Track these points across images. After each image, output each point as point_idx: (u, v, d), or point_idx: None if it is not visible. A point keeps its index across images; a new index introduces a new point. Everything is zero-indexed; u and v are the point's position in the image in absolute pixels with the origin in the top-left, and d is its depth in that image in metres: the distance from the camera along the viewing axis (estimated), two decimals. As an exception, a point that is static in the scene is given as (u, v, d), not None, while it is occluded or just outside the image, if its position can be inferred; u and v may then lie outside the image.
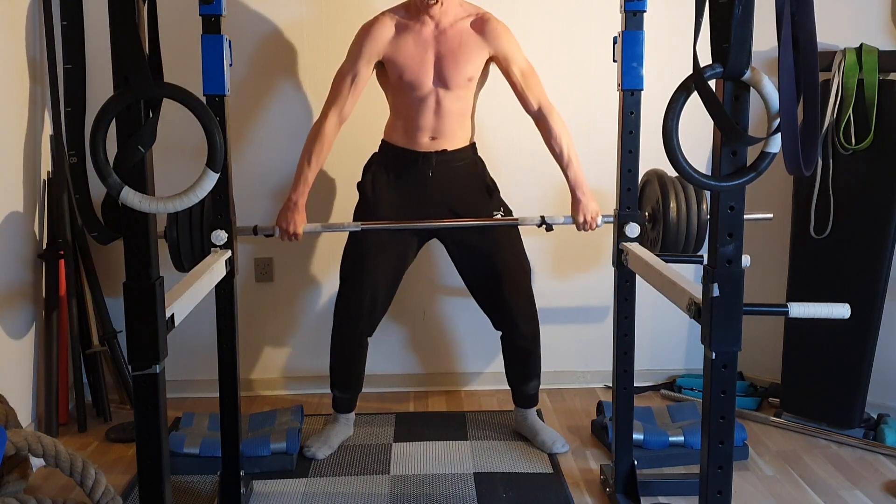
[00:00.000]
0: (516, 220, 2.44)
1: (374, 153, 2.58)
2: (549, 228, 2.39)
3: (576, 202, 2.38)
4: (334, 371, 2.64)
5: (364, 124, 2.71)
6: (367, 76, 2.39)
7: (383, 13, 2.41)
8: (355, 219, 2.54)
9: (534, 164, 2.83)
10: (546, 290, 3.07)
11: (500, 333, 2.63)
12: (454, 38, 2.36)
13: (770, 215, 2.32)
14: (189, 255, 2.17)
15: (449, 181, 2.48)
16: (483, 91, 2.52)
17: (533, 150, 2.61)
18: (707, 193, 2.16)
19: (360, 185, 2.57)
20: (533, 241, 3.00)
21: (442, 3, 2.30)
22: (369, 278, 2.50)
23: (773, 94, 1.35)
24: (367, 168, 2.57)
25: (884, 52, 2.59)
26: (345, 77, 2.38)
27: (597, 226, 2.38)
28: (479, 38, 2.37)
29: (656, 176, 2.30)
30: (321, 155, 2.38)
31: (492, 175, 2.58)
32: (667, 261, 1.92)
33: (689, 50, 1.38)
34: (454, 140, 2.47)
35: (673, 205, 2.23)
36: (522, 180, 2.90)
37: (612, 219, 2.21)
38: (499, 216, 2.50)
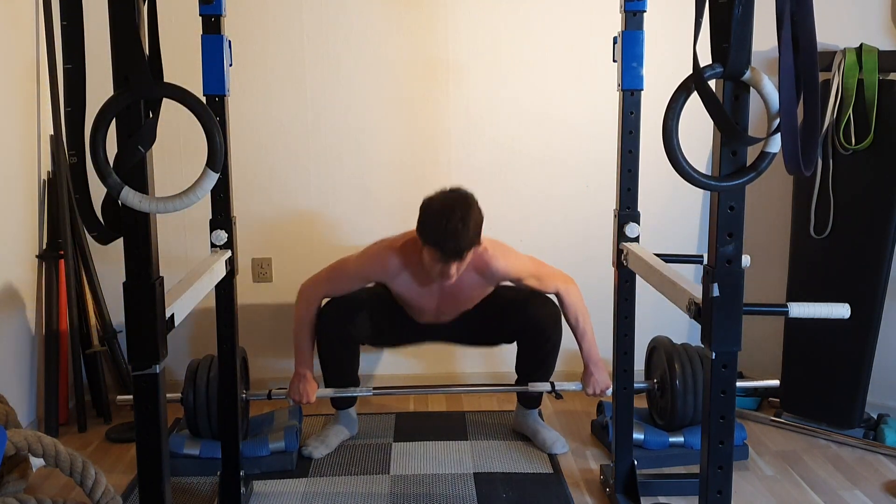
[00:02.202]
0: (527, 387, 2.55)
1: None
2: (559, 396, 2.55)
3: (587, 374, 2.51)
4: (328, 371, 2.64)
5: (362, 115, 2.70)
6: (366, 286, 2.51)
7: (392, 259, 2.41)
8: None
9: None
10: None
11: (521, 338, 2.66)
12: (459, 288, 2.44)
13: (776, 383, 2.50)
14: (205, 419, 2.40)
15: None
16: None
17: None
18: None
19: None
20: (533, 241, 3.00)
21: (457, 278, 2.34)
22: (367, 310, 2.58)
23: (773, 94, 1.35)
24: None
25: (884, 52, 2.59)
26: (344, 278, 2.47)
27: (606, 395, 2.50)
28: (484, 281, 2.45)
29: (662, 345, 2.51)
30: (312, 328, 2.50)
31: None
32: (667, 261, 1.92)
33: (689, 50, 1.38)
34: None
35: (678, 370, 2.44)
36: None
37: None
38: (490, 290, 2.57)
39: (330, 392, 2.54)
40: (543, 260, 2.63)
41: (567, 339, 2.56)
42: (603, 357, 3.12)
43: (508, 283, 2.55)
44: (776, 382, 2.52)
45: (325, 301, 2.52)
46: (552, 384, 2.51)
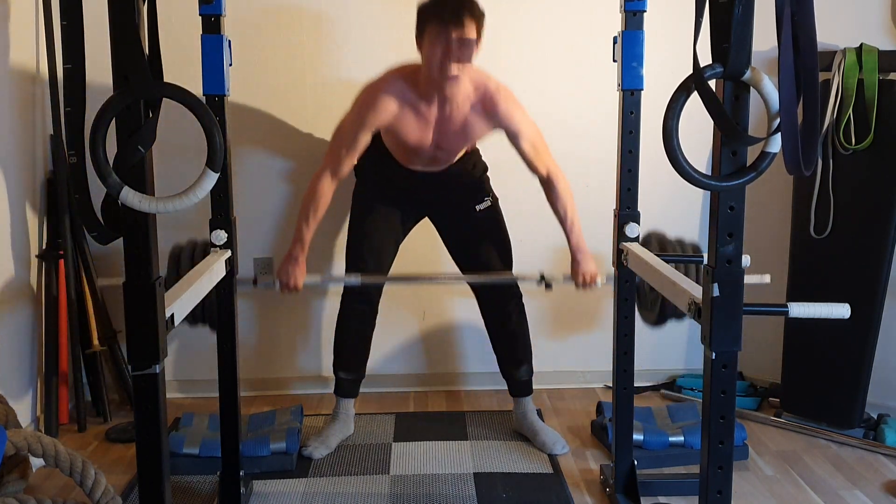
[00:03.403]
0: (516, 276, 2.53)
1: (375, 136, 2.58)
2: (549, 286, 2.47)
3: (576, 264, 2.46)
4: (340, 351, 2.66)
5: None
6: (366, 142, 2.39)
7: (390, 81, 2.35)
8: (354, 199, 2.65)
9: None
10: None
11: (486, 321, 2.68)
12: (458, 120, 2.36)
13: (767, 279, 2.37)
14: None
15: (441, 181, 2.56)
16: (487, 148, 2.59)
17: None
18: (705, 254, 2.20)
19: (355, 169, 2.59)
20: (533, 240, 3.00)
21: (459, 82, 2.26)
22: (373, 242, 2.58)
23: (773, 94, 1.35)
24: (365, 154, 2.58)
25: (884, 52, 2.59)
26: (343, 141, 2.39)
27: (595, 285, 2.45)
28: (486, 119, 2.37)
29: (656, 238, 2.36)
30: (318, 213, 2.42)
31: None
32: (667, 261, 1.92)
33: (689, 50, 1.38)
34: (450, 164, 2.56)
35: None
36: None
37: (611, 280, 2.28)
38: (487, 203, 2.59)
39: (318, 279, 2.43)
40: (543, 259, 2.63)
41: (556, 232, 2.50)
42: (602, 357, 3.14)
43: (492, 204, 2.56)
44: (767, 278, 2.34)
45: (331, 182, 2.39)
46: (541, 274, 2.44)
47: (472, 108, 2.34)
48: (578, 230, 2.45)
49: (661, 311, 2.28)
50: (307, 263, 2.45)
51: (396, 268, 2.68)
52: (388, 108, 2.33)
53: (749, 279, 2.11)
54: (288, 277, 2.39)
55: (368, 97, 2.36)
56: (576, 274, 2.45)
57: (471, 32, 2.20)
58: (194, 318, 2.20)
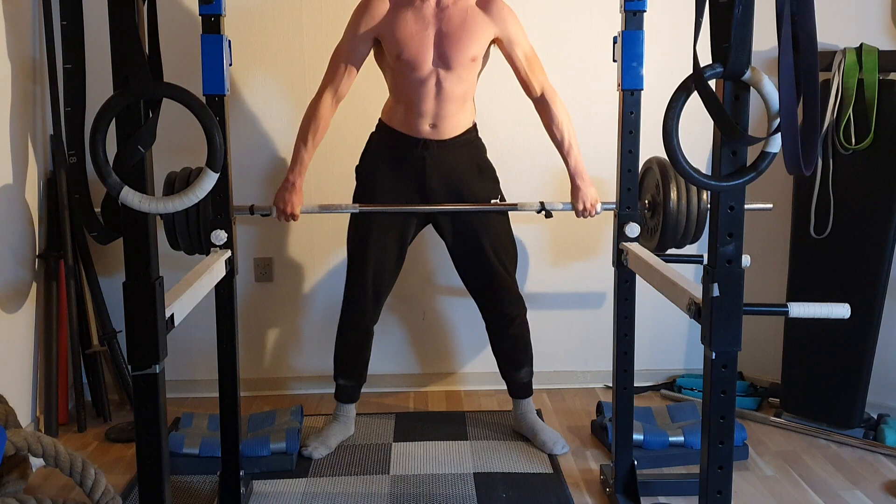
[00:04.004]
0: (515, 205, 2.41)
1: (372, 133, 2.57)
2: (549, 215, 2.36)
3: (575, 189, 2.37)
4: (340, 358, 2.65)
5: (362, 105, 2.70)
6: (365, 54, 2.33)
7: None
8: (354, 202, 2.54)
9: (533, 152, 2.82)
10: (545, 289, 3.07)
11: (487, 324, 2.65)
12: (457, 15, 2.29)
13: (770, 206, 2.29)
14: (184, 230, 2.12)
15: (448, 166, 2.46)
16: (481, 81, 2.49)
17: (533, 137, 2.60)
18: None
19: (358, 170, 2.57)
20: (531, 241, 3.00)
21: None
22: (372, 264, 2.52)
23: (773, 94, 1.35)
24: (366, 152, 2.57)
25: (884, 52, 2.59)
26: (341, 55, 2.33)
27: (596, 212, 2.36)
28: (485, 17, 2.31)
29: (657, 164, 2.26)
30: (317, 135, 2.35)
31: (492, 161, 2.58)
32: (667, 261, 1.92)
33: (689, 50, 1.38)
34: (455, 126, 2.44)
35: (673, 194, 2.18)
36: (522, 168, 2.87)
37: (612, 205, 2.19)
38: (495, 202, 2.52)
39: (315, 207, 2.37)
40: (543, 259, 2.63)
41: (554, 154, 2.44)
42: (602, 357, 3.15)
43: (495, 205, 2.50)
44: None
45: (331, 101, 2.33)
46: (541, 203, 2.34)
47: (470, 4, 2.30)
48: (577, 154, 2.36)
49: (662, 240, 2.23)
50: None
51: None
52: (382, 9, 2.28)
53: (750, 206, 2.07)
54: (285, 205, 2.32)
55: (361, 6, 2.31)
56: (575, 200, 2.36)
57: None
58: (191, 247, 2.11)
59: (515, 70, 2.37)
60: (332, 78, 2.34)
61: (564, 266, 3.08)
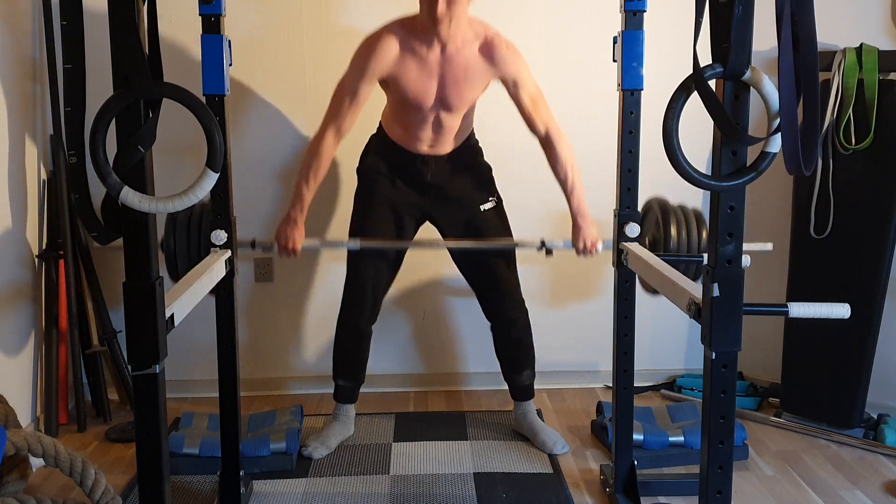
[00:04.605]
0: (516, 242, 2.49)
1: (373, 135, 2.59)
2: (549, 252, 2.42)
3: (576, 228, 2.40)
4: (339, 359, 2.66)
5: (362, 114, 2.70)
6: (368, 94, 2.33)
7: (389, 28, 2.31)
8: (355, 202, 2.60)
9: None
10: (546, 289, 3.07)
11: (491, 325, 2.66)
12: (460, 64, 2.31)
13: (769, 247, 2.35)
14: (186, 265, 2.16)
15: (446, 175, 2.52)
16: (485, 117, 2.54)
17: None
18: (707, 221, 2.18)
19: (359, 171, 2.60)
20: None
21: (451, 21, 2.21)
22: (371, 265, 2.54)
23: (773, 94, 1.35)
24: (366, 154, 2.59)
25: (884, 52, 2.59)
26: (345, 94, 2.32)
27: (596, 251, 2.39)
28: (487, 64, 2.32)
29: (657, 203, 2.33)
30: (319, 173, 2.36)
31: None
32: (667, 261, 1.93)
33: (689, 50, 1.38)
34: (454, 142, 2.50)
35: (673, 231, 2.25)
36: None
37: (611, 244, 2.24)
38: (492, 203, 2.56)
39: (316, 242, 2.38)
40: (543, 259, 2.62)
41: (557, 195, 2.46)
42: (602, 357, 3.15)
43: (496, 205, 2.53)
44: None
45: (333, 138, 2.33)
46: (542, 240, 2.39)
47: (473, 52, 2.29)
48: (580, 193, 2.38)
49: (653, 243, 2.27)
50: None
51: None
52: (389, 53, 2.27)
53: (749, 247, 2.09)
54: (286, 240, 2.34)
55: (368, 45, 2.30)
56: (576, 239, 2.38)
57: None
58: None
59: (520, 110, 2.38)
60: (335, 115, 2.33)
61: (565, 265, 3.08)
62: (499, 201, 2.60)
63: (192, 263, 2.15)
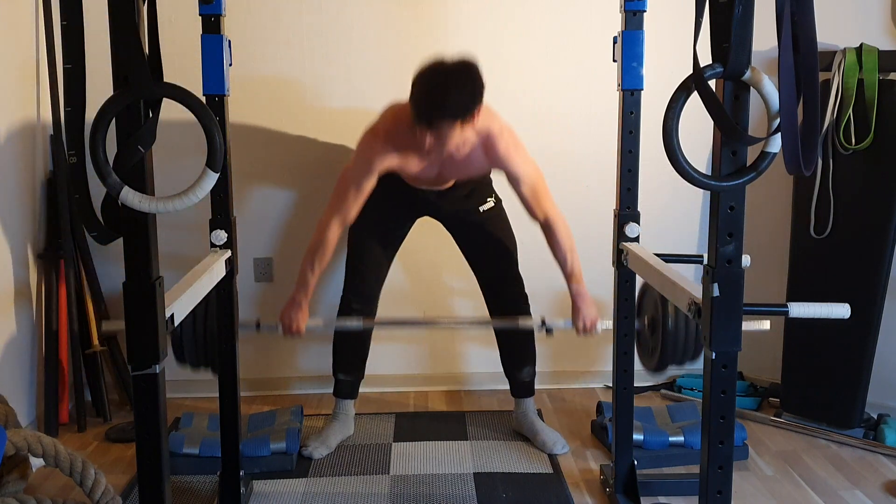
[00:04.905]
0: (516, 322, 2.52)
1: None
2: (549, 332, 2.47)
3: (576, 310, 2.44)
4: (338, 351, 2.67)
5: (362, 114, 2.69)
6: (373, 185, 2.34)
7: (389, 123, 2.30)
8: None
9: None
10: (546, 288, 3.06)
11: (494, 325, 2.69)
12: (459, 159, 2.32)
13: (767, 327, 2.36)
14: (191, 343, 2.21)
15: (445, 197, 2.57)
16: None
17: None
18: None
19: None
20: (532, 239, 3.00)
21: (443, 146, 2.20)
22: (372, 259, 2.58)
23: (773, 94, 1.35)
24: None
25: (884, 52, 2.58)
26: (349, 187, 2.33)
27: (596, 332, 2.44)
28: (487, 159, 2.34)
29: (651, 297, 2.37)
30: (324, 261, 2.39)
31: None
32: (667, 261, 1.92)
33: (689, 50, 1.38)
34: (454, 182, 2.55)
35: (671, 310, 2.29)
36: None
37: (610, 324, 2.29)
38: (491, 203, 2.59)
39: (320, 323, 2.47)
40: (543, 260, 2.61)
41: (556, 276, 2.48)
42: (602, 357, 3.14)
43: (496, 205, 2.59)
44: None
45: (338, 227, 2.36)
46: (542, 319, 2.43)
47: (473, 149, 2.31)
48: (579, 275, 2.43)
49: (662, 358, 2.30)
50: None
51: (400, 269, 2.68)
52: (391, 153, 2.30)
53: (747, 325, 2.17)
54: (291, 322, 2.40)
55: (370, 145, 2.31)
56: (576, 319, 2.44)
57: (450, 133, 2.12)
58: (197, 360, 2.22)
59: (520, 198, 2.39)
60: (340, 206, 2.35)
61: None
62: (498, 201, 2.61)
63: (200, 350, 2.21)
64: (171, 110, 1.46)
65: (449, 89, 2.06)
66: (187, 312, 1.67)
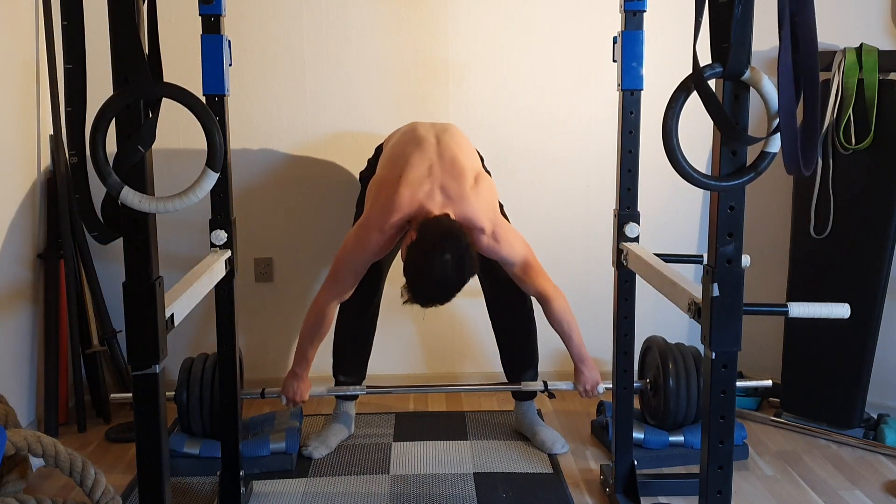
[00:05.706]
0: (519, 385, 2.57)
1: (378, 146, 2.59)
2: (552, 395, 2.54)
3: (578, 373, 2.47)
4: (339, 351, 2.67)
5: (362, 115, 2.71)
6: (368, 267, 2.36)
7: (383, 230, 2.27)
8: (357, 209, 2.61)
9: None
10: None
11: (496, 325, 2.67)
12: None
13: (769, 383, 2.48)
14: (198, 418, 2.41)
15: None
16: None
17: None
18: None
19: (362, 177, 2.61)
20: (533, 241, 3.00)
21: None
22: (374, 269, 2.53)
23: (773, 94, 1.34)
24: (372, 161, 2.59)
25: (884, 52, 2.59)
26: (347, 272, 2.34)
27: (597, 393, 2.48)
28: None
29: (656, 344, 2.50)
30: (322, 335, 2.43)
31: None
32: (667, 261, 1.92)
33: (689, 50, 1.38)
34: None
35: (672, 371, 2.42)
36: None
37: (610, 385, 2.32)
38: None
39: (323, 390, 2.53)
40: (543, 260, 2.62)
41: (556, 339, 2.51)
42: (602, 357, 3.14)
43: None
44: (769, 382, 2.50)
45: (336, 305, 2.42)
46: (545, 383, 2.50)
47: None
48: (578, 340, 2.45)
49: (664, 420, 2.45)
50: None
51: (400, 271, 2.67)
52: (385, 246, 2.32)
53: (746, 383, 2.40)
54: (294, 394, 2.44)
55: (364, 243, 2.30)
56: (578, 382, 2.47)
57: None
58: (204, 432, 2.41)
59: (513, 278, 2.41)
60: (336, 287, 2.37)
61: (565, 266, 3.08)
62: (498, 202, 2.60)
63: (205, 417, 2.39)
64: (171, 110, 1.46)
65: (445, 292, 2.14)
66: (187, 312, 1.66)
